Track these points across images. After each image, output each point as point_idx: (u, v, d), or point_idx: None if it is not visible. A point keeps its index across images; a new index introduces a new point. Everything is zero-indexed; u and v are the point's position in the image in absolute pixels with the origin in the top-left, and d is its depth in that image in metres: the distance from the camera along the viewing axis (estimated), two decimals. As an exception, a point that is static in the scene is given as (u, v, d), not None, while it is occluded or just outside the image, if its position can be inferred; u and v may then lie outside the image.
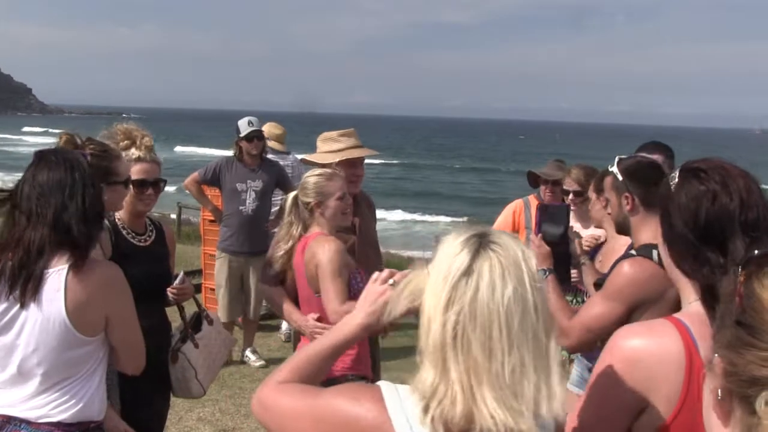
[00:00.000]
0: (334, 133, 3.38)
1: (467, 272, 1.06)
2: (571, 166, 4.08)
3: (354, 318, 1.39)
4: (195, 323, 2.95)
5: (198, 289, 6.36)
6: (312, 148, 3.53)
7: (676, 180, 1.36)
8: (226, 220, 5.56)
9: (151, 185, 2.83)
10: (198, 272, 7.39)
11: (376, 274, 1.41)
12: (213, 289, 6.06)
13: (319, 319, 2.82)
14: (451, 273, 1.07)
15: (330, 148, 3.34)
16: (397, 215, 24.72)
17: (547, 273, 2.49)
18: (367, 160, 3.46)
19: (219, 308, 5.63)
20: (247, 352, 5.76)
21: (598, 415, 1.37)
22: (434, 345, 1.06)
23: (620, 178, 2.36)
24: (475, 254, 1.07)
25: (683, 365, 1.26)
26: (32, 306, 1.92)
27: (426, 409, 1.06)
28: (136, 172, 2.77)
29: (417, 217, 25.58)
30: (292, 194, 2.89)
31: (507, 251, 1.08)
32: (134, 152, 2.79)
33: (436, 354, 1.06)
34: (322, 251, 2.72)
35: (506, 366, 1.03)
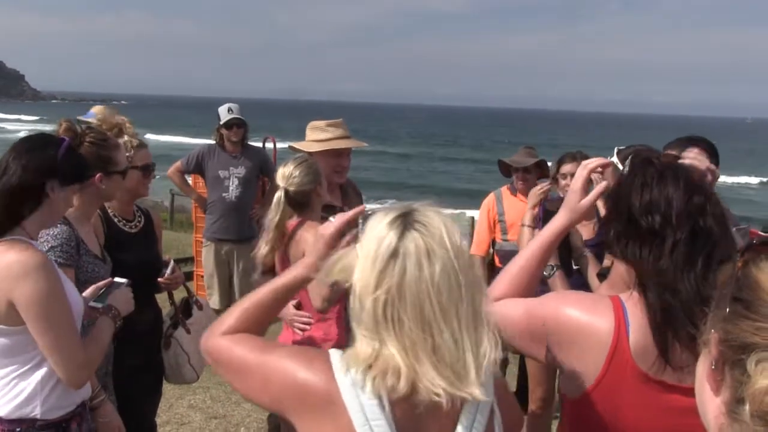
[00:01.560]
0: (322, 123, 3.39)
1: (394, 254, 1.10)
2: (536, 154, 4.12)
3: (303, 260, 1.41)
4: (185, 309, 2.97)
5: (190, 276, 6.38)
6: (298, 135, 3.53)
7: (628, 168, 1.47)
8: (210, 207, 5.55)
9: (152, 170, 2.92)
10: (190, 259, 7.39)
11: (327, 223, 1.42)
12: (204, 277, 6.07)
13: (298, 306, 2.81)
14: (378, 256, 1.10)
15: (317, 137, 3.35)
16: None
17: (555, 269, 2.44)
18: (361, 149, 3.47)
19: (212, 296, 5.64)
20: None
21: (527, 320, 1.46)
22: (367, 323, 1.11)
23: (620, 167, 2.37)
24: (401, 236, 1.11)
25: (608, 345, 1.34)
26: None
27: (366, 375, 1.10)
28: (142, 158, 2.84)
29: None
30: (280, 193, 2.78)
31: (431, 229, 1.12)
32: (131, 140, 2.80)
33: (369, 333, 1.11)
34: (312, 236, 2.71)
35: (441, 338, 1.08)
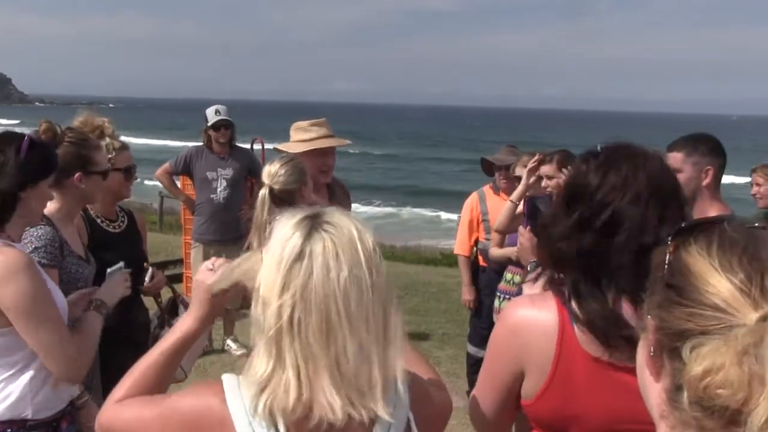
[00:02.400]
0: (305, 123, 3.41)
1: (300, 256, 1.04)
2: (522, 153, 4.12)
3: (186, 315, 1.33)
4: (171, 308, 2.99)
5: (179, 278, 6.38)
6: (288, 135, 3.55)
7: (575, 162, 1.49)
8: (199, 209, 5.56)
9: (134, 172, 2.95)
10: (180, 261, 7.39)
11: (204, 264, 1.35)
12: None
13: None
14: (284, 258, 1.04)
15: (300, 137, 3.36)
16: (383, 208, 24.54)
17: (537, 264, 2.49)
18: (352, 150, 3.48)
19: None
20: (228, 341, 5.80)
21: (491, 383, 1.48)
22: (269, 331, 1.04)
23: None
24: (308, 236, 1.05)
25: (555, 338, 1.37)
26: None
27: (259, 398, 1.04)
28: (123, 160, 2.87)
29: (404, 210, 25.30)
30: (264, 190, 2.77)
31: (340, 231, 1.06)
32: (112, 142, 2.81)
33: (270, 341, 1.04)
34: None
35: (346, 349, 1.02)
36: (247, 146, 6.35)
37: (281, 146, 3.43)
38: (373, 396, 1.04)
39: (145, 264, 2.93)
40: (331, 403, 1.02)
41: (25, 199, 1.94)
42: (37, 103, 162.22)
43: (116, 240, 2.84)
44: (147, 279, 2.85)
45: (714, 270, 0.70)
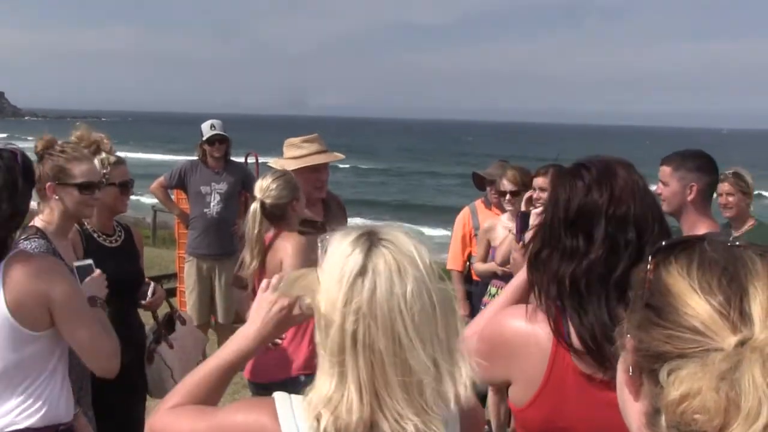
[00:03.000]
0: (297, 140, 3.42)
1: (362, 271, 1.02)
2: (507, 166, 4.15)
3: (246, 330, 1.32)
4: (168, 324, 2.99)
5: (173, 292, 6.35)
6: (282, 150, 3.57)
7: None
8: (192, 223, 5.57)
9: (131, 186, 2.96)
10: (173, 276, 7.36)
11: (264, 282, 1.33)
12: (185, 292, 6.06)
13: None
14: (345, 274, 1.03)
15: (293, 154, 3.38)
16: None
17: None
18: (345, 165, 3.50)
19: (188, 311, 5.63)
20: (222, 356, 5.77)
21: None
22: (332, 348, 1.03)
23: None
24: (368, 252, 1.04)
25: (548, 353, 1.39)
26: None
27: (318, 419, 1.03)
28: (119, 174, 2.88)
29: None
30: (255, 204, 2.81)
31: (400, 246, 1.05)
32: (108, 156, 2.82)
33: (333, 358, 1.03)
34: (291, 245, 2.76)
35: (412, 366, 1.01)
36: (242, 160, 6.36)
37: (273, 163, 3.45)
38: (436, 413, 1.03)
39: (146, 279, 2.94)
40: (398, 418, 1.01)
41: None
42: (28, 117, 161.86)
43: (113, 254, 2.84)
44: (149, 294, 2.85)
45: (693, 291, 0.69)
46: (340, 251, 1.06)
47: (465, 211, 4.59)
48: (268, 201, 2.79)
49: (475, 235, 4.44)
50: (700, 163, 2.77)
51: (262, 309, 1.30)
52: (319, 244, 1.11)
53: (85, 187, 2.43)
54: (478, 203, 4.56)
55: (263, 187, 2.82)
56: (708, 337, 0.66)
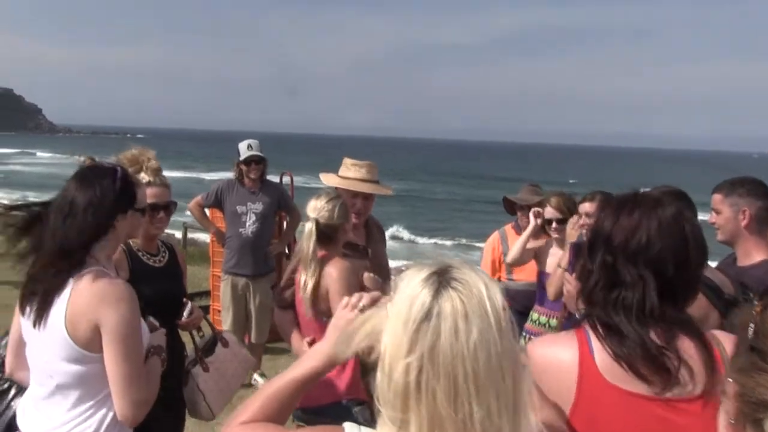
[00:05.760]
0: (350, 160, 3.41)
1: (428, 315, 1.00)
2: (548, 193, 4.08)
3: (320, 348, 1.32)
4: (209, 346, 2.97)
5: (206, 310, 6.38)
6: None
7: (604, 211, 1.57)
8: (228, 242, 5.62)
9: (163, 208, 2.91)
10: (206, 293, 7.40)
11: (345, 300, 1.34)
12: (221, 311, 6.09)
13: (313, 343, 2.78)
14: (411, 317, 1.01)
15: (342, 173, 3.38)
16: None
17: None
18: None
19: (224, 330, 5.64)
20: (255, 376, 5.75)
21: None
22: (395, 393, 1.01)
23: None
24: (436, 294, 1.01)
25: (575, 370, 1.43)
26: (46, 315, 1.95)
27: None
28: (147, 196, 2.82)
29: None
30: (311, 224, 2.78)
31: (469, 289, 1.02)
32: (143, 176, 2.83)
33: (396, 403, 1.01)
34: (336, 269, 2.73)
35: (473, 414, 0.98)
36: (277, 179, 6.41)
37: (322, 176, 3.45)
38: None
39: (184, 299, 2.93)
40: None
41: (118, 228, 2.08)
42: (62, 134, 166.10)
43: (157, 274, 2.85)
44: (185, 314, 2.85)
45: None
46: (409, 291, 1.04)
47: (494, 236, 4.56)
48: (322, 221, 2.79)
49: (504, 260, 4.39)
50: (751, 188, 2.74)
51: (338, 326, 1.32)
52: (394, 275, 1.08)
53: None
54: (508, 228, 4.53)
55: (317, 207, 2.81)
56: None
